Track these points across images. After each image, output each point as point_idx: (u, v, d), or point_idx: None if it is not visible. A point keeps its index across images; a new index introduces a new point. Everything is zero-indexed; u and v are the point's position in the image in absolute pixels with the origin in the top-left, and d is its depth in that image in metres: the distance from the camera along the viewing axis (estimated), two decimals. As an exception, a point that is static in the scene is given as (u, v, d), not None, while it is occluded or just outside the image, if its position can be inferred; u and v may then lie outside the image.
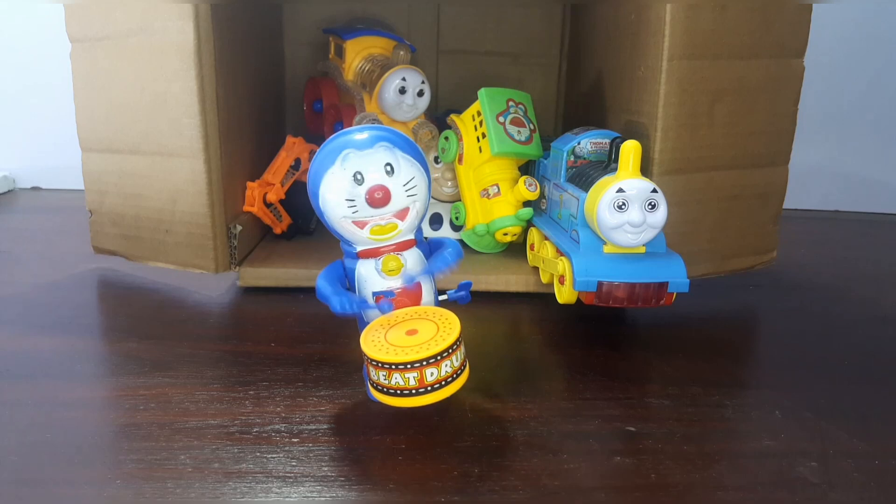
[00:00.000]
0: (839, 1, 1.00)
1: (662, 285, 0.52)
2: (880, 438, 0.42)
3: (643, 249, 0.53)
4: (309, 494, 0.36)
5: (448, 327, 0.38)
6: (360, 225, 0.40)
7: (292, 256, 0.69)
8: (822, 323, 0.62)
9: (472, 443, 0.41)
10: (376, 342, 0.38)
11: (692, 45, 0.58)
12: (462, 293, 0.43)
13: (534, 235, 0.67)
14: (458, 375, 0.38)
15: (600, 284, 0.52)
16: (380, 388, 0.38)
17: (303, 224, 0.76)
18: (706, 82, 0.59)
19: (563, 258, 0.56)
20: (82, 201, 0.71)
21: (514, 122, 0.67)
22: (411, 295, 0.41)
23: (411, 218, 0.41)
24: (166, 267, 0.66)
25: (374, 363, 0.37)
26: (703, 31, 0.58)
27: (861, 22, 1.05)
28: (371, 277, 0.41)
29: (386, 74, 0.69)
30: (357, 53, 0.74)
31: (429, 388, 0.37)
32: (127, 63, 0.62)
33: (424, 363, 0.36)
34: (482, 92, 0.68)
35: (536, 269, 0.65)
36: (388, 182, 0.39)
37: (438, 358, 0.36)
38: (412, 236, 0.42)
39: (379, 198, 0.39)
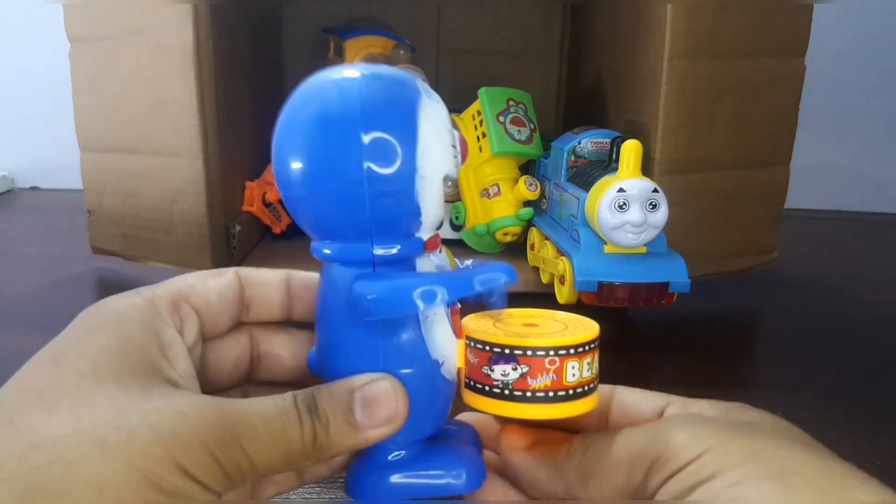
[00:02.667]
0: (840, 1, 1.00)
1: (663, 285, 0.51)
2: (881, 439, 0.42)
3: (644, 249, 0.53)
4: (308, 496, 0.35)
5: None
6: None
7: (291, 256, 0.69)
8: (823, 323, 0.62)
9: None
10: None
11: (693, 45, 0.57)
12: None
13: (534, 235, 0.66)
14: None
15: (601, 284, 0.51)
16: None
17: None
18: (707, 82, 0.59)
19: (563, 258, 0.56)
20: (81, 201, 0.70)
21: (515, 121, 0.67)
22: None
23: None
24: (165, 267, 0.65)
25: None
26: (703, 31, 0.57)
27: (863, 21, 1.04)
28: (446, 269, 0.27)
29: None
30: (356, 53, 0.74)
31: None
32: (126, 63, 0.62)
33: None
34: (482, 91, 0.68)
35: (537, 269, 0.65)
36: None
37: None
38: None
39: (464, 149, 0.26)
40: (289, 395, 0.22)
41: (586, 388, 0.25)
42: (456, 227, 0.74)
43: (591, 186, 0.54)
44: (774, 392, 0.47)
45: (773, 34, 0.61)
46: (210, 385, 0.26)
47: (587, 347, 0.25)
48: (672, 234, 0.54)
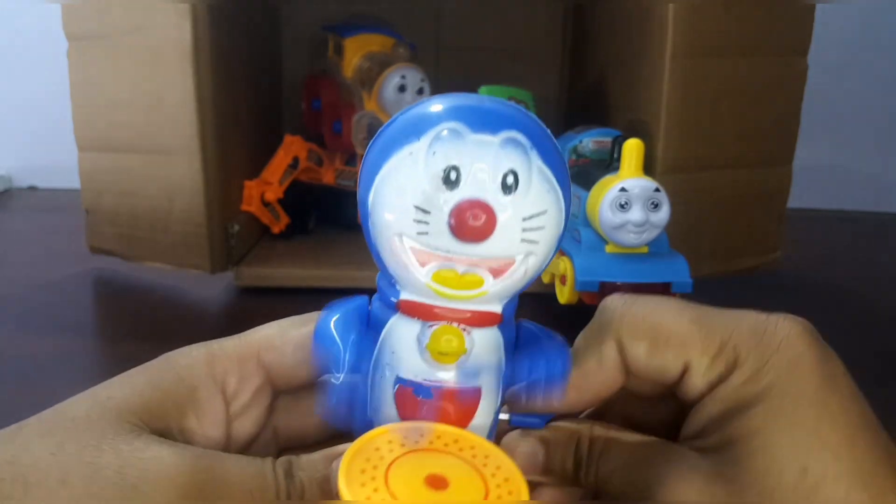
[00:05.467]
0: (842, 2, 0.99)
1: (665, 285, 0.51)
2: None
3: (646, 249, 0.52)
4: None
5: (505, 491, 0.20)
6: (423, 258, 0.21)
7: (290, 256, 0.69)
8: (826, 323, 0.61)
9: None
10: (366, 476, 0.19)
11: (695, 44, 0.57)
12: (536, 421, 0.25)
13: (535, 235, 0.66)
14: None
15: (602, 285, 0.51)
16: None
17: (301, 224, 0.75)
18: (709, 81, 0.58)
19: (564, 258, 0.56)
20: (78, 201, 0.70)
21: (515, 120, 0.67)
22: (460, 405, 0.22)
23: (514, 278, 0.21)
24: (163, 267, 0.65)
25: None
26: (706, 29, 0.57)
27: (865, 20, 1.04)
28: (406, 352, 0.22)
29: (385, 72, 0.68)
30: (356, 51, 0.74)
31: None
32: (124, 62, 0.61)
33: None
34: (483, 90, 0.67)
35: (537, 269, 0.65)
36: (500, 203, 0.20)
37: None
38: (500, 309, 0.22)
39: (475, 223, 0.20)
40: (268, 460, 0.22)
41: None
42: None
43: (592, 186, 0.54)
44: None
45: (775, 33, 0.60)
46: (294, 445, 0.25)
47: None
48: (674, 234, 0.54)
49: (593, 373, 0.23)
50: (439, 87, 0.94)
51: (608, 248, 0.53)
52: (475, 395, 0.22)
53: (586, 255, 0.53)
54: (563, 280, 0.56)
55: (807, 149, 0.68)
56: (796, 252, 0.75)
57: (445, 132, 0.20)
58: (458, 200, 0.20)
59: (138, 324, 0.57)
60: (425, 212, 0.20)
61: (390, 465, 0.19)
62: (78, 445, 0.20)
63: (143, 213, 0.64)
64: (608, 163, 0.57)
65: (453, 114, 0.20)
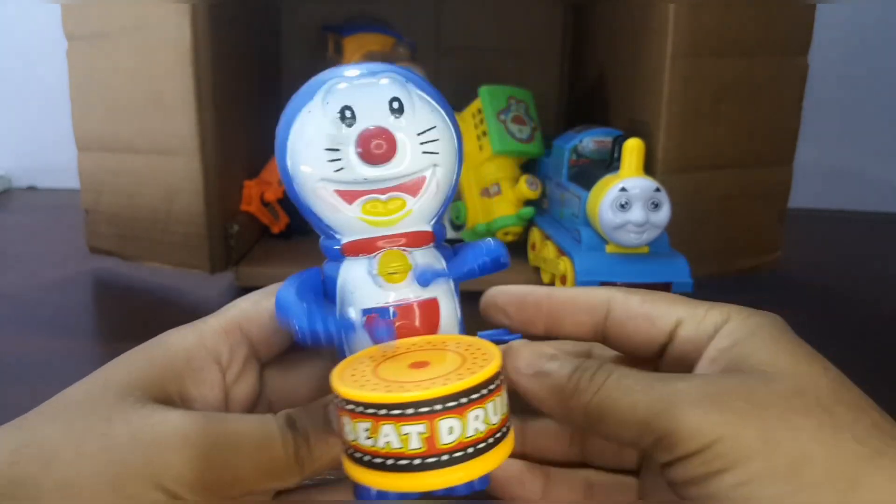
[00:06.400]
0: (843, 2, 0.99)
1: (666, 286, 0.51)
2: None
3: (646, 249, 0.52)
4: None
5: (481, 358, 0.21)
6: (348, 197, 0.24)
7: (290, 256, 0.68)
8: (826, 323, 0.62)
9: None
10: (357, 376, 0.21)
11: (696, 43, 0.57)
12: (501, 336, 0.26)
13: (535, 235, 0.66)
14: (496, 440, 0.21)
15: (603, 285, 0.51)
16: (359, 455, 0.21)
17: (301, 224, 0.75)
18: (710, 80, 0.58)
19: (564, 258, 0.56)
20: (78, 200, 0.70)
21: (516, 120, 0.67)
22: (423, 316, 0.25)
23: (429, 193, 0.24)
24: (162, 267, 0.65)
25: (350, 407, 0.20)
26: (706, 29, 0.57)
27: (865, 20, 1.04)
28: (361, 285, 0.25)
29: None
30: (356, 51, 0.74)
31: (443, 458, 0.20)
32: (123, 61, 0.61)
33: (439, 407, 0.20)
34: (483, 90, 0.67)
35: (538, 269, 0.65)
36: (394, 126, 0.23)
37: (464, 400, 0.20)
38: (429, 227, 0.25)
39: (378, 148, 0.23)
40: (268, 415, 0.23)
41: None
42: (456, 227, 0.74)
43: (592, 185, 0.54)
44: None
45: (776, 32, 0.60)
46: (280, 406, 0.26)
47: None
48: (674, 234, 0.54)
49: (582, 295, 0.25)
50: (439, 86, 0.93)
51: (608, 248, 0.53)
52: (433, 304, 0.25)
53: (586, 255, 0.53)
54: (563, 280, 0.56)
55: (807, 149, 0.68)
56: (796, 252, 0.75)
57: (333, 85, 0.24)
58: (359, 131, 0.23)
59: (138, 324, 0.57)
60: (335, 150, 0.23)
61: (376, 367, 0.22)
62: (86, 422, 0.21)
63: (143, 214, 0.64)
64: (608, 163, 0.57)
65: (337, 73, 0.24)
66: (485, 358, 0.21)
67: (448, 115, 0.25)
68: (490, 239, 0.26)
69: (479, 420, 0.20)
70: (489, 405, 0.20)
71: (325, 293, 0.25)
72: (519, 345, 0.24)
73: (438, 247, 0.26)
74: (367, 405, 0.20)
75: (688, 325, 0.24)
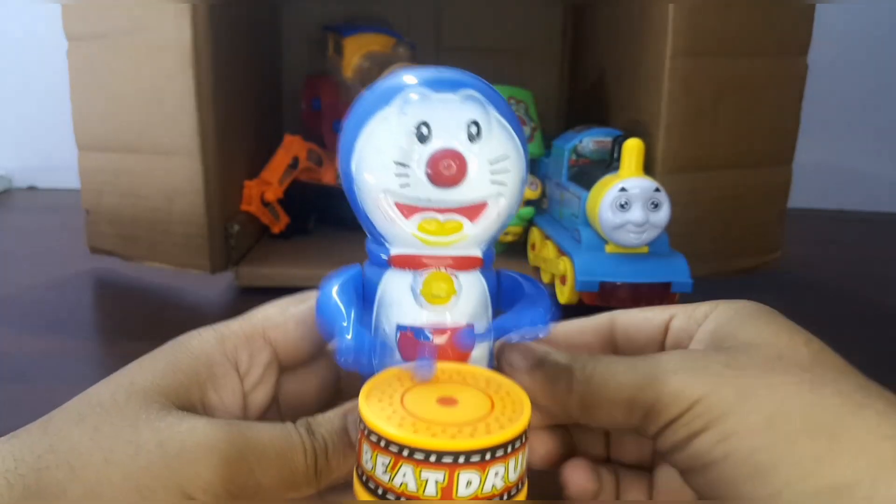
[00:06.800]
0: (843, 2, 0.99)
1: (665, 285, 0.51)
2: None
3: (646, 249, 0.52)
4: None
5: (510, 407, 0.21)
6: (406, 211, 0.23)
7: (290, 256, 0.68)
8: (827, 323, 0.61)
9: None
10: (384, 404, 0.21)
11: (695, 43, 0.57)
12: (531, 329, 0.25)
13: (535, 235, 0.66)
14: (510, 496, 0.21)
15: (602, 285, 0.51)
16: (373, 486, 0.21)
17: (301, 224, 0.75)
18: (709, 80, 0.58)
19: (564, 258, 0.56)
20: (78, 201, 0.70)
21: (515, 120, 0.67)
22: (457, 344, 0.24)
23: (488, 220, 0.24)
24: (163, 267, 0.65)
25: (373, 438, 0.20)
26: (706, 29, 0.57)
27: (865, 20, 1.04)
28: (401, 300, 0.24)
29: (385, 73, 0.68)
30: (356, 51, 0.74)
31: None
32: (124, 61, 0.61)
33: (462, 459, 0.20)
34: (482, 90, 0.67)
35: (537, 269, 0.65)
36: (468, 150, 0.23)
37: (488, 457, 0.20)
38: (480, 253, 0.25)
39: (448, 169, 0.23)
40: (288, 423, 0.23)
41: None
42: (456, 227, 0.74)
43: (592, 185, 0.54)
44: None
45: (775, 32, 0.60)
46: (295, 414, 0.26)
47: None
48: (674, 234, 0.54)
49: (586, 321, 0.27)
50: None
51: (608, 248, 0.53)
52: (470, 332, 0.24)
53: (586, 255, 0.53)
54: (563, 280, 0.56)
55: (807, 149, 0.68)
56: (796, 252, 0.75)
57: (412, 95, 0.23)
58: (432, 151, 0.22)
59: (138, 324, 0.57)
60: (404, 165, 0.23)
61: (403, 394, 0.22)
62: (113, 427, 0.21)
63: (143, 213, 0.64)
64: (608, 163, 0.57)
65: (415, 78, 0.23)
66: (514, 409, 0.21)
67: (521, 142, 0.24)
68: (543, 308, 0.25)
69: (498, 476, 0.20)
70: (511, 462, 0.20)
71: (364, 296, 0.25)
72: (510, 347, 0.25)
73: (485, 271, 0.25)
74: (390, 441, 0.20)
75: (680, 317, 0.25)
